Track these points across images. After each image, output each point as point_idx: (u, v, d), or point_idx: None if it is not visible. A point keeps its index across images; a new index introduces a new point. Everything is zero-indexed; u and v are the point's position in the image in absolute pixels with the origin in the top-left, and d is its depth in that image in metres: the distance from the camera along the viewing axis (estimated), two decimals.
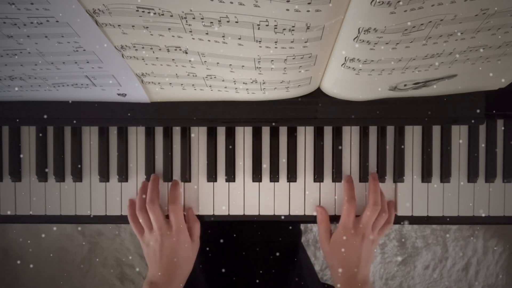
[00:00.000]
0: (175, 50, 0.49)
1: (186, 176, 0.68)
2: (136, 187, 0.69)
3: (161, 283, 0.63)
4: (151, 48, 0.49)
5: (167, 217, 0.66)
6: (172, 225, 0.65)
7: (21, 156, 0.69)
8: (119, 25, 0.45)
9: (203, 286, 0.77)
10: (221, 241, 0.81)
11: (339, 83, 0.57)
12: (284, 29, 0.43)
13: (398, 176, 0.68)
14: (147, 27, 0.45)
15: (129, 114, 0.64)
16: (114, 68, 0.53)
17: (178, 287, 0.65)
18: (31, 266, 1.47)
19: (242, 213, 0.68)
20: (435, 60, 0.50)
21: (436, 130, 0.68)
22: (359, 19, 0.42)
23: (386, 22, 0.41)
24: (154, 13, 0.42)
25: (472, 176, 0.68)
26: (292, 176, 0.68)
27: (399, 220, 0.68)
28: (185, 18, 0.42)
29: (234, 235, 0.82)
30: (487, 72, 0.55)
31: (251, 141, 0.68)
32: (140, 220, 0.65)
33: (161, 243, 0.63)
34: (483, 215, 0.68)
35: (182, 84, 0.58)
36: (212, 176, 0.68)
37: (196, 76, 0.55)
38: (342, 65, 0.51)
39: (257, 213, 0.68)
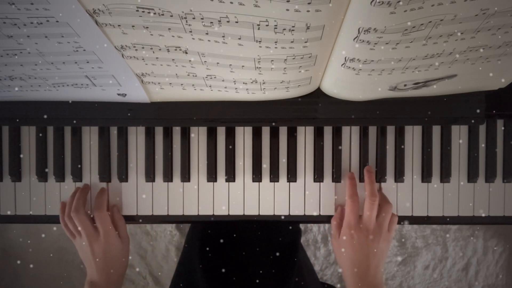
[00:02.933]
0: (175, 50, 0.49)
1: (186, 176, 0.68)
2: (136, 187, 0.69)
3: (100, 281, 0.65)
4: (151, 48, 0.49)
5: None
6: (99, 230, 0.66)
7: (21, 156, 0.69)
8: (119, 25, 0.45)
9: (203, 286, 0.77)
10: (221, 241, 0.81)
11: (339, 83, 0.57)
12: (284, 29, 0.43)
13: (398, 176, 0.68)
14: (147, 27, 0.45)
15: (129, 114, 0.64)
16: (114, 68, 0.53)
17: (118, 282, 0.67)
18: (31, 266, 1.47)
19: (242, 213, 0.68)
20: (435, 60, 0.50)
21: (436, 130, 0.68)
22: (359, 19, 0.42)
23: (386, 22, 0.41)
24: (154, 13, 0.42)
25: (472, 176, 0.68)
26: (292, 176, 0.68)
27: (399, 220, 0.68)
28: (185, 18, 0.42)
29: (234, 235, 0.82)
30: (487, 72, 0.55)
31: (251, 141, 0.68)
32: (69, 226, 0.66)
33: (91, 247, 0.65)
34: (483, 215, 0.68)
35: (182, 84, 0.58)
36: (212, 176, 0.68)
37: (196, 76, 0.55)
38: (342, 65, 0.51)
39: (257, 213, 0.68)
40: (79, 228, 0.65)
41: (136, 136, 0.69)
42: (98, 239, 0.65)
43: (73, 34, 0.46)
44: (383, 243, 0.64)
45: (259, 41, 0.45)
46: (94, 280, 0.65)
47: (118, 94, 0.60)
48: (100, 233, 0.65)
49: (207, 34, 0.45)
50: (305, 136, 0.69)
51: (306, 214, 0.68)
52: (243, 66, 0.51)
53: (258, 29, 0.43)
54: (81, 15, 0.43)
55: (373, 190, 0.64)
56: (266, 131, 0.69)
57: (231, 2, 0.39)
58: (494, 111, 0.65)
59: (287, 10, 0.39)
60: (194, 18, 0.42)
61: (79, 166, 0.68)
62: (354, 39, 0.45)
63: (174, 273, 0.85)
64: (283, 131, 0.69)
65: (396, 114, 0.64)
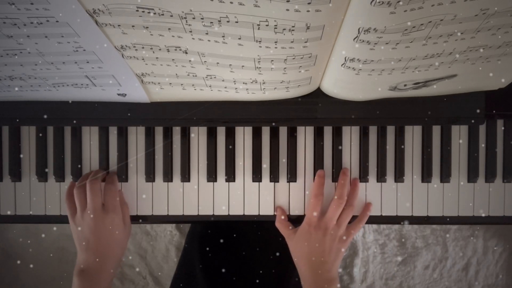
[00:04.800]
0: (175, 50, 0.49)
1: (186, 176, 0.68)
2: (136, 187, 0.69)
3: (92, 269, 0.61)
4: (151, 48, 0.49)
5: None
6: (106, 206, 0.63)
7: (21, 156, 0.69)
8: (119, 25, 0.45)
9: (203, 286, 0.77)
10: (221, 241, 0.81)
11: (339, 83, 0.57)
12: (284, 29, 0.43)
13: (398, 176, 0.68)
14: (147, 27, 0.45)
15: (129, 114, 0.64)
16: (114, 68, 0.53)
17: (110, 273, 0.63)
18: (31, 266, 1.47)
19: (242, 213, 0.68)
20: (435, 60, 0.50)
21: (436, 130, 0.68)
22: (359, 19, 0.42)
23: (386, 22, 0.41)
24: (154, 13, 0.42)
25: (472, 176, 0.68)
26: (292, 176, 0.68)
27: (399, 220, 0.68)
28: (185, 18, 0.42)
29: (234, 235, 0.82)
30: (487, 72, 0.55)
31: (251, 141, 0.68)
32: (75, 197, 0.63)
33: (93, 225, 0.61)
34: (483, 215, 0.68)
35: (182, 84, 0.58)
36: (212, 176, 0.68)
37: (196, 76, 0.55)
38: (342, 65, 0.51)
39: (257, 213, 0.68)
40: (88, 199, 0.62)
41: (136, 136, 0.69)
42: (103, 217, 0.62)
43: (73, 34, 0.46)
44: (340, 243, 0.65)
45: (259, 41, 0.45)
46: (85, 267, 0.61)
47: (118, 94, 0.60)
48: (106, 210, 0.63)
49: (207, 34, 0.45)
50: (305, 136, 0.69)
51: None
52: (243, 66, 0.51)
53: (258, 29, 0.43)
54: (81, 15, 0.43)
55: (342, 193, 0.65)
56: (266, 131, 0.69)
57: (231, 2, 0.39)
58: (494, 111, 0.65)
59: (287, 10, 0.39)
60: (194, 18, 0.42)
61: (79, 166, 0.68)
62: (354, 39, 0.45)
63: (174, 273, 0.85)
64: (283, 131, 0.69)
65: (396, 114, 0.64)
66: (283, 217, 0.67)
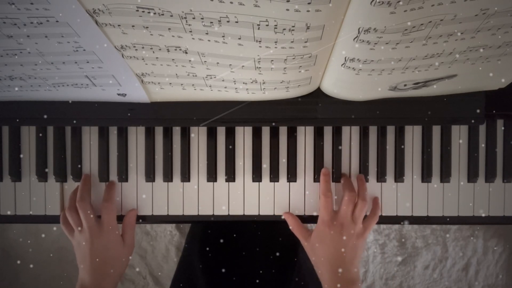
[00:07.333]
0: (175, 50, 0.49)
1: (186, 176, 0.68)
2: (136, 187, 0.69)
3: (90, 286, 0.62)
4: (151, 48, 0.49)
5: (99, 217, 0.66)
6: (102, 223, 0.64)
7: (21, 156, 0.69)
8: (119, 25, 0.45)
9: (203, 286, 0.77)
10: (221, 241, 0.81)
11: (339, 83, 0.57)
12: (284, 29, 0.43)
13: (398, 176, 0.68)
14: (147, 27, 0.45)
15: (129, 114, 0.64)
16: (114, 68, 0.53)
17: None
18: (31, 266, 1.47)
19: (242, 213, 0.68)
20: (435, 60, 0.50)
21: (436, 130, 0.68)
22: (359, 19, 0.42)
23: (386, 22, 0.41)
24: (154, 13, 0.42)
25: (472, 176, 0.68)
26: (292, 176, 0.68)
27: (399, 220, 0.68)
28: (185, 18, 0.42)
29: (234, 235, 0.82)
30: (487, 72, 0.55)
31: (251, 141, 0.68)
32: (69, 219, 0.65)
33: (90, 242, 0.63)
34: (483, 215, 0.68)
35: (182, 84, 0.58)
36: (212, 176, 0.68)
37: (196, 76, 0.55)
38: (342, 65, 0.51)
39: (257, 213, 0.68)
40: (82, 219, 0.63)
41: (136, 136, 0.69)
42: (100, 233, 0.63)
43: (73, 34, 0.46)
44: (358, 239, 0.63)
45: (259, 41, 0.45)
46: (85, 284, 0.62)
47: (118, 94, 0.60)
48: (103, 227, 0.64)
49: (207, 34, 0.45)
50: (305, 136, 0.69)
51: (306, 214, 0.68)
52: (243, 66, 0.51)
53: (258, 29, 0.43)
54: (81, 15, 0.43)
55: (351, 187, 0.65)
56: (266, 131, 0.69)
57: (231, 2, 0.39)
58: (494, 111, 0.65)
59: (287, 10, 0.39)
60: (194, 18, 0.42)
61: (79, 166, 0.68)
62: (354, 39, 0.45)
63: (174, 273, 0.85)
64: (283, 131, 0.69)
65: (396, 114, 0.64)
66: (285, 218, 0.67)
